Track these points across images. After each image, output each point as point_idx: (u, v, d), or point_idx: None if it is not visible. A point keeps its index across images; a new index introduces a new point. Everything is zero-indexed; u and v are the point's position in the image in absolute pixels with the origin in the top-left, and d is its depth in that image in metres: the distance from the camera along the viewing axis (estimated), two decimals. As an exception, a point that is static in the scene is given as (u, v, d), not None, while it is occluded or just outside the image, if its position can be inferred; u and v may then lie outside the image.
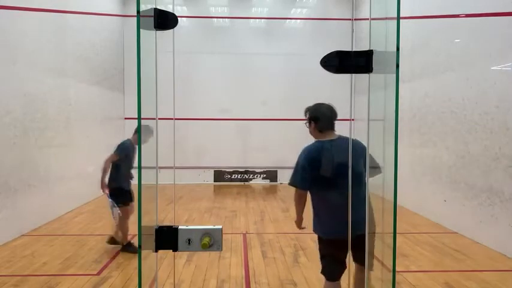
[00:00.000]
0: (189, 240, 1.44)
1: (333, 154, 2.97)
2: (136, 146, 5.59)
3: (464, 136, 6.42)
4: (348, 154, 2.58)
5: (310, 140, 11.19)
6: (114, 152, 5.38)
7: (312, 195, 3.13)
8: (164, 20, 1.47)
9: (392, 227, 1.43)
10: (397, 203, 1.42)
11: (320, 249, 3.25)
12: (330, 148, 3.00)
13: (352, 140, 2.89)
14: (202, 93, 11.88)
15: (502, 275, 4.81)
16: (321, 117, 3.07)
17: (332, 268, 3.18)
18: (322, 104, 3.17)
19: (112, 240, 5.67)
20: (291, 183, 3.11)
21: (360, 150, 2.75)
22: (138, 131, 1.37)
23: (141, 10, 1.34)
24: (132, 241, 5.52)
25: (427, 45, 7.73)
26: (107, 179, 5.32)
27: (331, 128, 3.09)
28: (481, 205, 5.99)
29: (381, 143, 1.63)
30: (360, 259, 2.84)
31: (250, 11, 12.44)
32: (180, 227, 1.45)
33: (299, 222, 3.43)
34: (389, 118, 1.50)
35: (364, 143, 1.61)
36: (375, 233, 2.83)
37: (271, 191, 11.31)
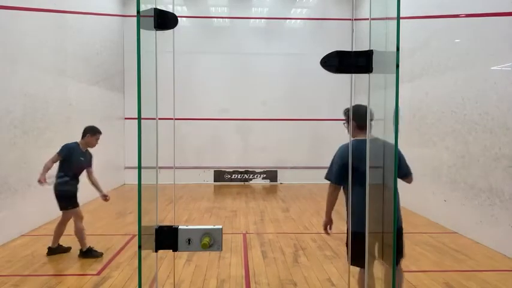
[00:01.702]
0: (189, 240, 1.45)
1: (365, 153, 3.20)
2: (85, 150, 5.36)
3: (464, 136, 6.42)
4: (379, 154, 2.87)
5: (309, 139, 11.19)
6: (58, 152, 5.25)
7: (344, 190, 3.34)
8: (164, 20, 1.47)
9: (392, 227, 1.43)
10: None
11: (347, 241, 3.45)
12: (364, 147, 3.22)
13: (387, 142, 3.20)
14: (202, 93, 11.88)
15: (502, 275, 4.81)
16: (361, 117, 3.26)
17: (358, 257, 3.40)
18: (361, 105, 3.40)
19: (52, 251, 5.36)
20: (326, 177, 3.37)
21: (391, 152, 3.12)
22: (138, 131, 1.37)
23: (141, 10, 1.34)
24: (91, 246, 5.35)
25: (427, 45, 7.73)
26: (46, 176, 5.18)
27: (366, 128, 3.30)
28: (481, 205, 5.99)
29: (381, 142, 1.64)
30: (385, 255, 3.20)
31: (250, 11, 12.44)
32: (180, 227, 1.45)
33: (326, 223, 3.59)
34: (389, 118, 1.50)
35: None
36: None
37: (271, 191, 11.31)
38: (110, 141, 10.71)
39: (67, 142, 5.41)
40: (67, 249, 5.45)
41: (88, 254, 5.26)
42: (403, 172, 3.27)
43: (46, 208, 7.13)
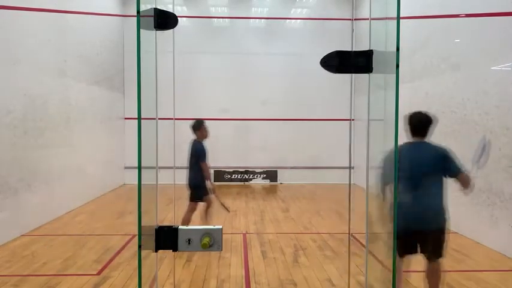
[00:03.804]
0: (189, 240, 1.44)
1: (412, 155, 3.46)
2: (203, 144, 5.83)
3: (465, 136, 6.42)
4: (427, 157, 3.44)
5: (309, 139, 11.24)
6: (203, 160, 5.73)
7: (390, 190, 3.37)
8: (164, 20, 1.47)
9: (393, 227, 1.43)
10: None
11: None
12: (411, 150, 3.52)
13: (433, 145, 3.63)
14: (202, 93, 11.88)
15: (502, 275, 4.81)
16: (409, 123, 3.66)
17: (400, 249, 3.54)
18: (416, 112, 3.72)
19: None
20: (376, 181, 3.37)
21: (436, 154, 3.54)
22: (138, 131, 1.37)
23: (141, 10, 1.34)
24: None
25: (427, 45, 7.73)
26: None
27: (419, 134, 3.61)
28: (481, 205, 5.99)
29: (381, 143, 1.63)
30: (427, 251, 3.64)
31: (250, 11, 12.44)
32: (180, 227, 1.45)
33: None
34: (389, 118, 1.50)
35: (364, 143, 1.61)
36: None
37: (271, 191, 11.31)
38: (110, 141, 10.72)
39: (196, 144, 5.84)
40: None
41: None
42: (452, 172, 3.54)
43: (46, 208, 7.15)
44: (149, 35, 1.44)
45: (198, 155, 5.75)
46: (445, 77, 7.05)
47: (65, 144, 7.95)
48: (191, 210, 5.82)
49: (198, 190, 5.79)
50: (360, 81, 1.62)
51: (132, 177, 11.49)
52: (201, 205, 5.87)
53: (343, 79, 10.11)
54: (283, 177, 12.38)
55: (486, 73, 5.91)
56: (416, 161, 3.39)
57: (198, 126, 6.02)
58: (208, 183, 5.77)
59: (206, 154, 5.77)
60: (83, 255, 5.36)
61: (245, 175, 12.37)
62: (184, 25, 11.96)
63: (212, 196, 5.89)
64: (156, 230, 1.44)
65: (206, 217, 6.00)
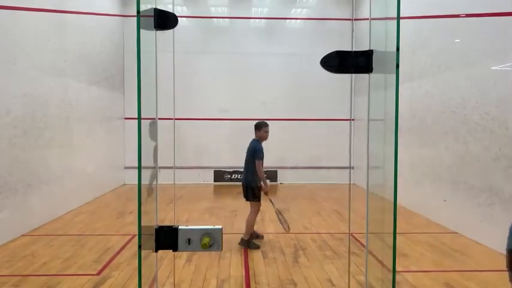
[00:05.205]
0: (189, 240, 1.44)
1: None
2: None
3: (464, 136, 6.42)
4: None
5: (309, 139, 11.23)
6: (258, 158, 5.94)
7: None
8: (164, 20, 1.47)
9: (393, 227, 1.43)
10: (397, 203, 1.42)
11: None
12: None
13: None
14: (202, 93, 11.88)
15: (502, 275, 4.79)
16: None
17: None
18: None
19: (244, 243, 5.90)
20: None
21: None
22: (138, 131, 1.37)
23: (141, 10, 1.34)
24: (252, 239, 5.85)
25: (427, 45, 7.73)
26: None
27: None
28: (481, 205, 5.99)
29: (381, 143, 1.63)
30: None
31: (250, 11, 12.43)
32: (180, 227, 1.45)
33: None
34: (389, 118, 1.50)
35: (364, 143, 1.61)
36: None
37: (271, 191, 11.27)
38: (110, 141, 10.72)
39: (254, 143, 6.13)
40: (260, 236, 6.06)
41: (246, 244, 5.71)
42: None
43: (46, 208, 7.14)
44: (149, 35, 1.44)
45: (253, 152, 5.90)
46: (445, 77, 7.05)
47: (65, 144, 7.95)
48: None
49: (248, 190, 5.95)
50: (360, 81, 1.62)
51: (132, 177, 11.49)
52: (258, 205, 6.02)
53: (343, 79, 10.12)
54: (283, 177, 12.38)
55: (486, 73, 5.91)
56: None
57: (259, 127, 6.26)
58: (262, 183, 5.95)
59: (261, 153, 5.90)
60: (83, 255, 5.36)
61: (245, 175, 12.36)
62: (184, 25, 11.95)
63: (260, 202, 6.04)
64: (156, 230, 1.44)
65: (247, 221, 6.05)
